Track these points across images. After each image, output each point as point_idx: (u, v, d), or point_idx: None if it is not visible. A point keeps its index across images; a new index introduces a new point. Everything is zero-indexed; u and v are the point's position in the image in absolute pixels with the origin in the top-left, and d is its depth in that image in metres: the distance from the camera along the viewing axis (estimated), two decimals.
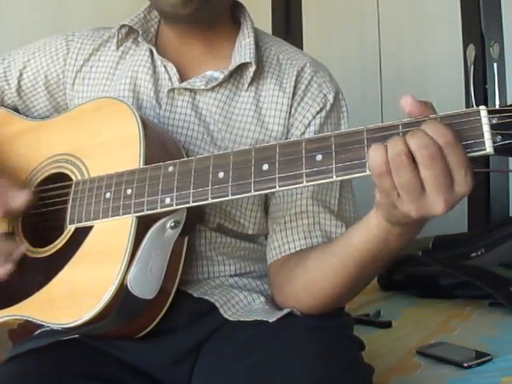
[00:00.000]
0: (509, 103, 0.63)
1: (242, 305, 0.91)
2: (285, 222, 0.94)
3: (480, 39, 2.44)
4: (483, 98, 2.40)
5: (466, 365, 1.14)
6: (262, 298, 0.93)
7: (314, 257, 0.86)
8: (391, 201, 0.67)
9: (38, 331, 0.91)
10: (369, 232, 0.76)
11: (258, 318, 0.86)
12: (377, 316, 1.59)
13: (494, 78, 2.39)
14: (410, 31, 2.65)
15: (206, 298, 0.90)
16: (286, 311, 0.87)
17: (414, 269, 1.87)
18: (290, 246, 0.93)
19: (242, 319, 0.87)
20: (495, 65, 2.39)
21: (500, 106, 0.63)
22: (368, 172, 0.66)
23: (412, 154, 0.63)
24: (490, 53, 2.41)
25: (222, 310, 0.89)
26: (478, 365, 1.14)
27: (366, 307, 1.66)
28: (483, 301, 1.68)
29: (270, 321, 0.84)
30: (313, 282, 0.86)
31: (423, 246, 1.91)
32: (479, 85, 2.42)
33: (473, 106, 2.42)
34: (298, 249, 0.92)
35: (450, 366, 1.15)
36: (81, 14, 2.16)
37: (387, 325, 1.49)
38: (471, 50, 2.45)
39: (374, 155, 0.64)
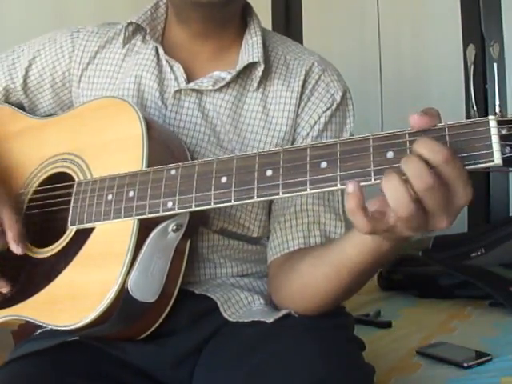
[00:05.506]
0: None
1: (242, 305, 0.91)
2: (285, 221, 0.93)
3: (480, 39, 2.44)
4: (483, 98, 2.39)
5: (466, 365, 1.15)
6: (262, 300, 0.93)
7: (309, 262, 0.85)
8: (392, 231, 0.65)
9: (39, 331, 0.91)
10: (363, 246, 0.74)
11: (255, 319, 0.85)
12: (377, 316, 1.59)
13: (494, 78, 2.38)
14: (410, 31, 2.65)
15: (207, 294, 0.90)
16: (283, 312, 0.86)
17: (414, 269, 1.87)
18: (288, 244, 0.92)
19: (241, 320, 0.87)
20: (495, 65, 2.38)
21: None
22: (373, 181, 0.64)
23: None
24: (490, 53, 2.41)
25: (222, 309, 0.89)
26: (478, 365, 1.15)
27: (366, 307, 1.66)
28: (483, 301, 1.68)
29: (268, 321, 0.84)
30: (307, 287, 0.85)
31: (423, 246, 1.91)
32: (479, 85, 2.41)
33: (473, 106, 2.43)
34: (296, 247, 0.91)
35: (450, 366, 1.16)
36: (80, 13, 2.16)
37: (387, 325, 1.50)
38: (471, 50, 2.45)
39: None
